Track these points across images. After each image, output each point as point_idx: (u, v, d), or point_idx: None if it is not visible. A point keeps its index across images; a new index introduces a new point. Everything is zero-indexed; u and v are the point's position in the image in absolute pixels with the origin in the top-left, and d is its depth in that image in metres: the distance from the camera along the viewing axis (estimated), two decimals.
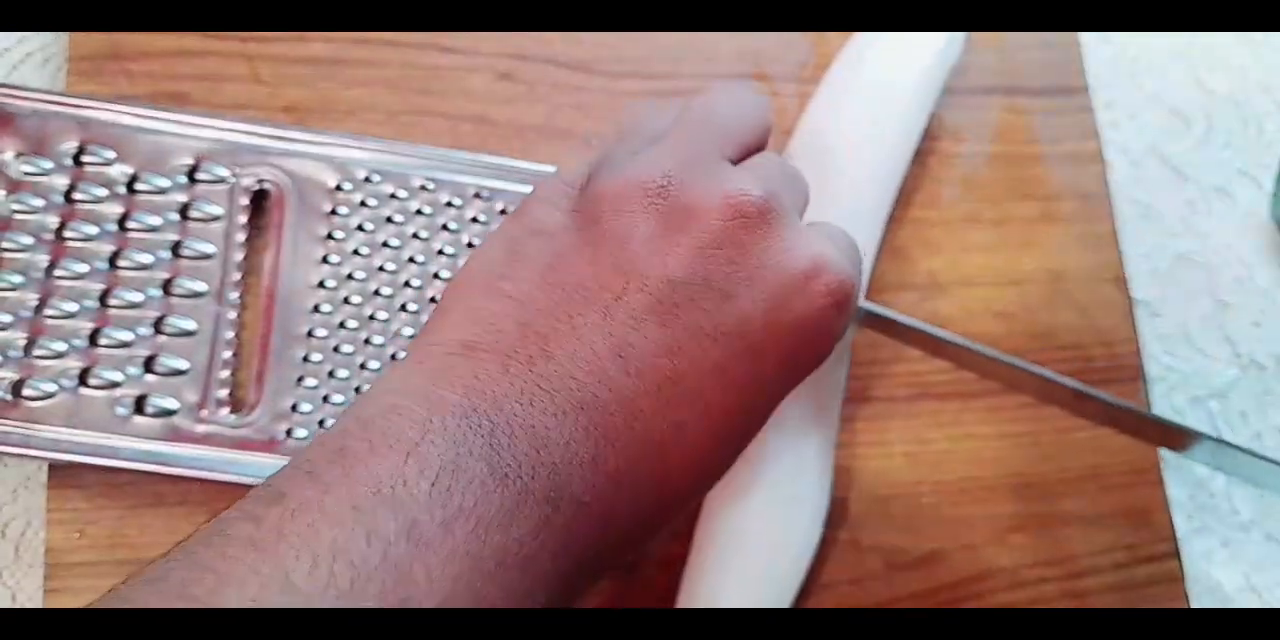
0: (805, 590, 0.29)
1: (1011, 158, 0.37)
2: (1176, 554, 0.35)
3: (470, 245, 0.30)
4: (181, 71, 0.31)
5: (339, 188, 0.30)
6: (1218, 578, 0.36)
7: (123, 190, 0.28)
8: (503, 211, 0.31)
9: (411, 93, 0.32)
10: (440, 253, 0.30)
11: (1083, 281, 0.36)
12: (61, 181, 0.28)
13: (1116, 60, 0.40)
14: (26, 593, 0.28)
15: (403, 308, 0.30)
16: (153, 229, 0.29)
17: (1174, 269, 0.39)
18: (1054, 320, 0.36)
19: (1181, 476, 0.37)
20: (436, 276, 0.30)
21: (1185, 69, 0.41)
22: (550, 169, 0.30)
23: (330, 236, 0.30)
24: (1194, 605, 0.35)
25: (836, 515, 0.32)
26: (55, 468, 0.28)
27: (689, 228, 0.21)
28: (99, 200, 0.28)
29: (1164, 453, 0.36)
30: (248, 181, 0.29)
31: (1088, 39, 0.39)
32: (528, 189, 0.30)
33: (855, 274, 0.22)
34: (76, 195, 0.28)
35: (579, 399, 0.19)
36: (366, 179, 0.30)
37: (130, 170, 0.28)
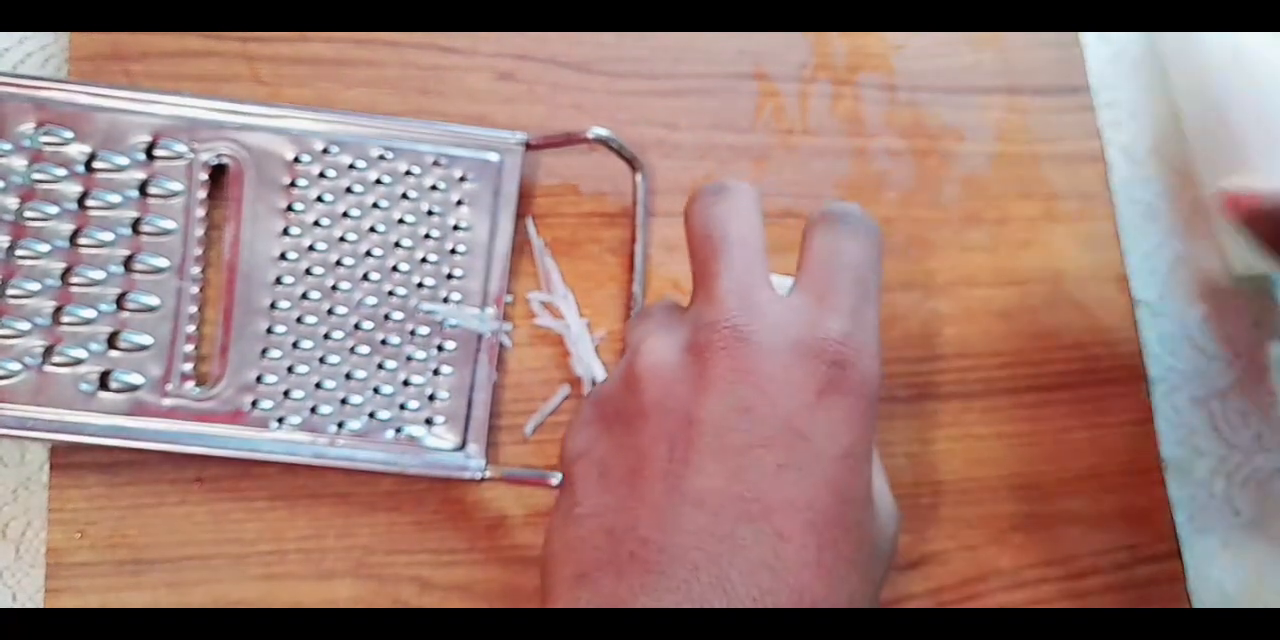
0: None
1: (1013, 157, 0.37)
2: (1178, 554, 0.35)
3: (430, 213, 0.31)
4: (182, 72, 0.31)
5: (297, 160, 0.30)
6: (1219, 578, 0.36)
7: (81, 169, 0.29)
8: (462, 178, 0.31)
9: (412, 92, 0.32)
10: (400, 221, 0.31)
11: (1084, 281, 0.36)
12: (19, 162, 0.29)
13: (1118, 60, 0.40)
14: (27, 593, 0.29)
15: (365, 277, 0.31)
16: (112, 206, 0.29)
17: (1174, 269, 0.38)
18: (1055, 320, 0.36)
19: (1183, 477, 0.37)
20: (398, 245, 0.31)
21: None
22: (508, 133, 0.32)
23: (290, 209, 0.30)
24: (1195, 606, 0.34)
25: None
26: (56, 467, 0.29)
27: (695, 374, 0.23)
28: (57, 180, 0.29)
29: (1165, 453, 0.36)
30: (206, 156, 0.30)
31: (1089, 39, 0.39)
32: (487, 155, 0.32)
33: (845, 333, 0.23)
34: (35, 175, 0.29)
35: (690, 562, 0.21)
36: (324, 150, 0.31)
37: (88, 149, 0.29)
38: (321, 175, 0.30)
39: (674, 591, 0.21)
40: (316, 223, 0.30)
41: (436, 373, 0.30)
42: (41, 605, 0.28)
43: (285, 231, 0.30)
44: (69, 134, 0.29)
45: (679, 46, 0.35)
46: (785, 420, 0.22)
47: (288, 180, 0.30)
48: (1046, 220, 0.37)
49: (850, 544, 0.22)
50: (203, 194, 0.30)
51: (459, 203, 0.31)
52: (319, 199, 0.30)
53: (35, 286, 0.28)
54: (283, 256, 0.30)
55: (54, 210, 0.29)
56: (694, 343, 0.24)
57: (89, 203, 0.29)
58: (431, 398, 0.30)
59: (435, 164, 0.31)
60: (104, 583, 0.28)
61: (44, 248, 0.29)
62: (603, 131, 0.32)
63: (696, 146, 0.34)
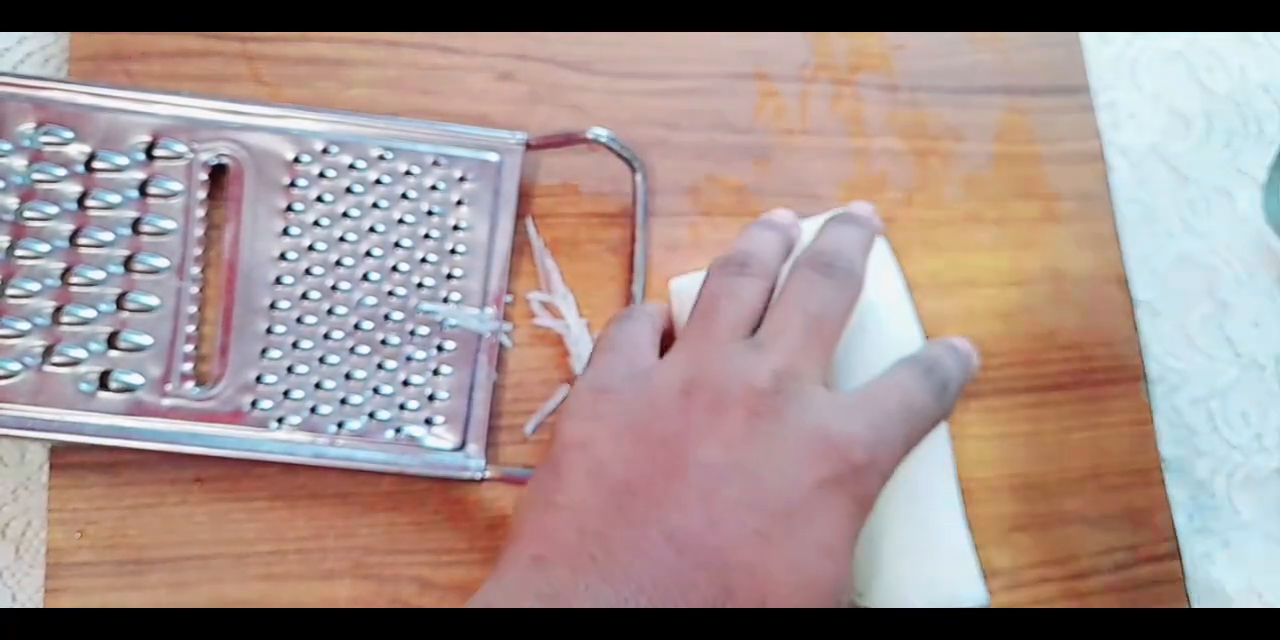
0: None
1: (1013, 158, 0.37)
2: (1178, 554, 0.35)
3: (430, 213, 0.31)
4: (182, 72, 0.31)
5: (297, 160, 0.30)
6: (1219, 578, 0.36)
7: (81, 169, 0.29)
8: (461, 178, 0.31)
9: (413, 93, 0.32)
10: (400, 221, 0.31)
11: (1084, 281, 0.36)
12: (19, 162, 0.29)
13: (1117, 61, 0.40)
14: (27, 593, 0.29)
15: (365, 277, 0.31)
16: (112, 206, 0.29)
17: (1174, 269, 0.38)
18: (1055, 320, 0.36)
19: (1183, 477, 0.36)
20: (397, 245, 0.31)
21: (1185, 69, 0.40)
22: (507, 133, 0.32)
23: (290, 208, 0.30)
24: (1195, 606, 0.34)
25: None
26: (56, 467, 0.29)
27: (712, 420, 0.23)
28: (57, 179, 0.29)
29: (1165, 453, 0.36)
30: (206, 156, 0.30)
31: (1089, 40, 0.39)
32: (487, 155, 0.31)
33: (871, 443, 0.24)
34: (35, 175, 0.29)
35: (638, 583, 0.22)
36: (324, 150, 0.30)
37: (88, 149, 0.29)
38: (321, 175, 0.30)
39: (615, 602, 0.21)
40: (316, 223, 0.30)
41: (436, 373, 0.30)
42: (41, 605, 0.28)
43: (285, 231, 0.30)
44: (69, 134, 0.29)
45: (679, 47, 0.35)
46: (780, 494, 0.22)
47: (288, 180, 0.30)
48: (1046, 220, 0.37)
49: None
50: (202, 194, 0.30)
51: (459, 203, 0.31)
52: (319, 199, 0.30)
53: (35, 286, 0.28)
54: (282, 256, 0.30)
55: (54, 210, 0.29)
56: (728, 387, 0.24)
57: (89, 203, 0.29)
58: (431, 398, 0.30)
59: (435, 164, 0.31)
60: (104, 583, 0.28)
61: (44, 248, 0.29)
62: (602, 132, 0.32)
63: (697, 146, 0.34)
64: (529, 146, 0.32)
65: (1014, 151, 0.37)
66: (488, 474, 0.29)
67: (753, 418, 0.23)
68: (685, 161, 0.34)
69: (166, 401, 0.29)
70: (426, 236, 0.31)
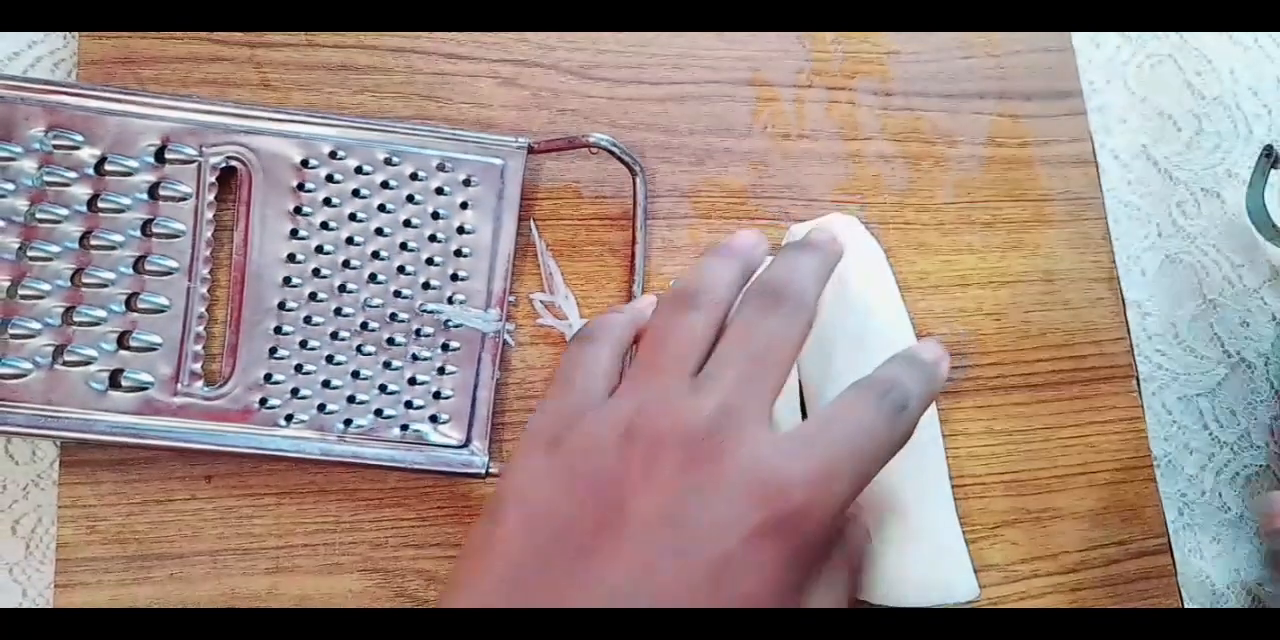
0: None
1: (1005, 161, 0.37)
2: (1168, 549, 0.35)
3: (435, 216, 0.32)
4: (191, 76, 0.31)
5: (305, 163, 0.31)
6: (1208, 573, 0.37)
7: (91, 172, 0.30)
8: (466, 181, 0.32)
9: (417, 98, 0.33)
10: (406, 224, 0.31)
11: (1074, 282, 0.37)
12: (30, 165, 0.29)
13: (1108, 64, 0.40)
14: (37, 588, 0.29)
15: (371, 278, 0.31)
16: (123, 209, 0.30)
17: (1164, 269, 0.39)
18: (1047, 320, 0.36)
19: (1173, 474, 0.37)
20: (404, 247, 0.31)
21: (1175, 73, 0.41)
22: (510, 138, 0.32)
23: (298, 211, 0.31)
24: (1184, 599, 0.35)
25: None
26: (66, 465, 0.29)
27: (648, 469, 0.23)
28: (69, 182, 0.29)
29: (1155, 450, 0.36)
30: (215, 159, 0.30)
31: (1080, 44, 0.39)
32: (490, 159, 0.32)
33: (814, 483, 0.22)
34: (46, 178, 0.29)
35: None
36: (332, 154, 0.31)
37: (98, 152, 0.30)
38: (329, 178, 0.31)
39: None
40: (324, 225, 0.31)
41: (442, 371, 0.31)
42: (51, 600, 0.28)
43: (293, 233, 0.30)
44: (79, 137, 0.29)
45: (678, 53, 0.35)
46: (713, 546, 0.21)
47: (296, 183, 0.30)
48: (1038, 222, 0.37)
49: None
50: (212, 196, 0.30)
51: (464, 205, 0.32)
52: (326, 201, 0.31)
53: (47, 287, 0.29)
54: (291, 257, 0.30)
55: (65, 212, 0.29)
56: (664, 433, 0.23)
57: (100, 205, 0.29)
58: (437, 395, 0.31)
59: (440, 168, 0.31)
60: (113, 578, 0.29)
61: (55, 249, 0.29)
62: (603, 136, 0.32)
63: (695, 151, 0.35)
64: (531, 150, 0.32)
65: (1006, 154, 0.37)
66: (492, 469, 0.30)
67: (688, 464, 0.22)
68: (684, 165, 0.35)
69: (177, 400, 0.29)
70: (432, 238, 0.31)
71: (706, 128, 0.35)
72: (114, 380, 0.29)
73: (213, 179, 0.30)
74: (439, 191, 0.32)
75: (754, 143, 0.35)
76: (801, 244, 0.27)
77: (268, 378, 0.30)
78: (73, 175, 0.29)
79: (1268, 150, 0.38)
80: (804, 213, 0.35)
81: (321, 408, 0.30)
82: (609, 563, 0.21)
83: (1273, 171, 0.38)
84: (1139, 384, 0.37)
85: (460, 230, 0.32)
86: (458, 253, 0.31)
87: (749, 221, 0.35)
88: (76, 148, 0.29)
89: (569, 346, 0.27)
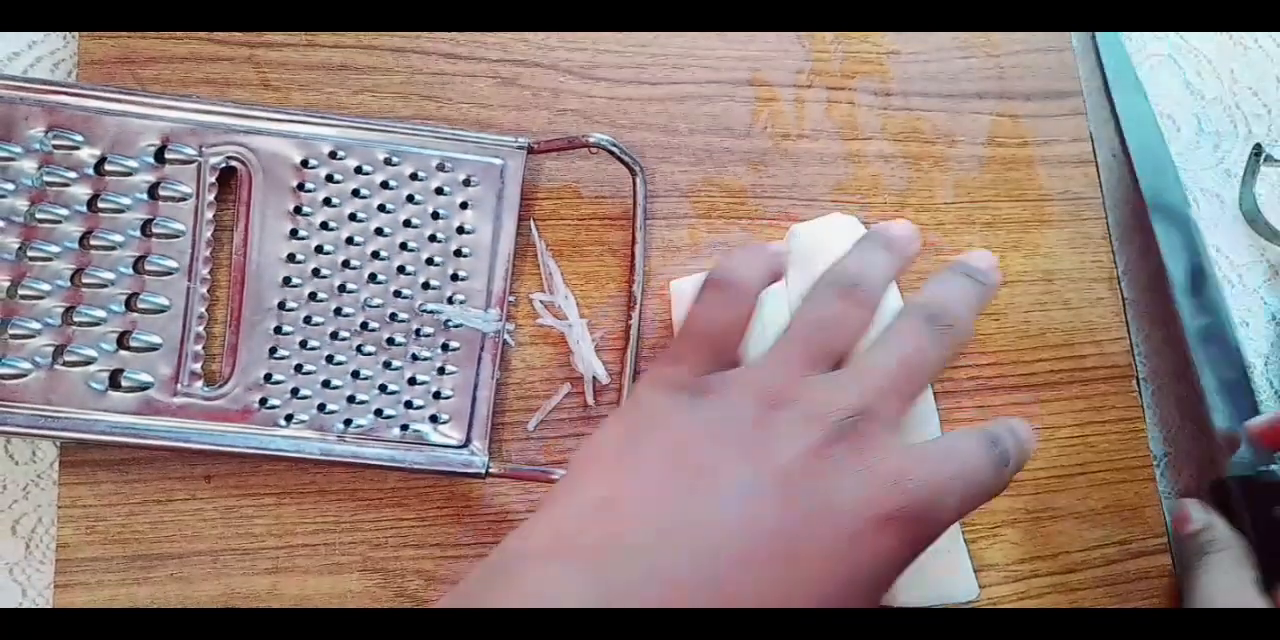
0: None
1: (1005, 161, 0.37)
2: (1168, 549, 0.35)
3: (435, 216, 0.31)
4: (190, 76, 0.31)
5: (305, 163, 0.31)
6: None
7: (91, 172, 0.29)
8: (466, 181, 0.32)
9: (417, 97, 0.33)
10: (406, 224, 0.31)
11: (1074, 281, 0.37)
12: (30, 165, 0.29)
13: None
14: (36, 588, 0.29)
15: (371, 278, 0.31)
16: (123, 209, 0.30)
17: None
18: (1047, 320, 0.36)
19: (1173, 473, 0.37)
20: (404, 247, 0.31)
21: (1175, 72, 0.41)
22: (510, 138, 0.32)
23: (298, 211, 0.31)
24: (1184, 601, 0.35)
25: None
26: (66, 465, 0.29)
27: (793, 434, 0.23)
28: (68, 182, 0.29)
29: (1155, 451, 0.36)
30: (215, 160, 0.30)
31: (1080, 43, 0.39)
32: (490, 159, 0.32)
33: (931, 503, 0.23)
34: (46, 178, 0.29)
35: (642, 585, 0.21)
36: (331, 154, 0.31)
37: (98, 152, 0.30)
38: (329, 178, 0.31)
39: (600, 601, 0.20)
40: (324, 225, 0.31)
41: (442, 371, 0.31)
42: (51, 600, 0.28)
43: (293, 233, 0.30)
44: (79, 137, 0.29)
45: (678, 53, 0.35)
46: (848, 517, 0.22)
47: (295, 183, 0.30)
48: (1038, 222, 0.37)
49: None
50: (211, 196, 0.30)
51: (463, 205, 0.32)
52: (326, 201, 0.31)
53: (46, 287, 0.29)
54: (291, 257, 0.30)
55: (65, 212, 0.29)
56: (813, 410, 0.23)
57: (99, 205, 0.29)
58: (437, 395, 0.31)
59: (440, 168, 0.31)
60: (113, 578, 0.29)
61: (55, 249, 0.29)
62: (603, 136, 0.32)
63: (695, 151, 0.35)
64: (531, 150, 0.32)
65: (1006, 154, 0.38)
66: (491, 470, 0.30)
67: (833, 441, 0.23)
68: (684, 165, 0.35)
69: (177, 400, 0.29)
70: (432, 238, 0.31)
71: (706, 128, 0.35)
72: (114, 380, 0.29)
73: (213, 179, 0.30)
74: (439, 191, 0.31)
75: (754, 143, 0.35)
76: (965, 267, 0.28)
77: (268, 378, 0.30)
78: (72, 175, 0.29)
79: (1256, 148, 0.38)
80: (804, 213, 0.35)
81: (321, 408, 0.30)
82: (746, 499, 0.22)
83: (1263, 169, 0.39)
84: (1139, 384, 0.37)
85: (460, 230, 0.32)
86: (458, 253, 0.31)
87: (749, 221, 0.35)
88: (76, 148, 0.29)
89: (709, 287, 0.27)
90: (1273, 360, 0.39)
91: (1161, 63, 0.41)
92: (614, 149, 0.32)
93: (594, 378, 0.32)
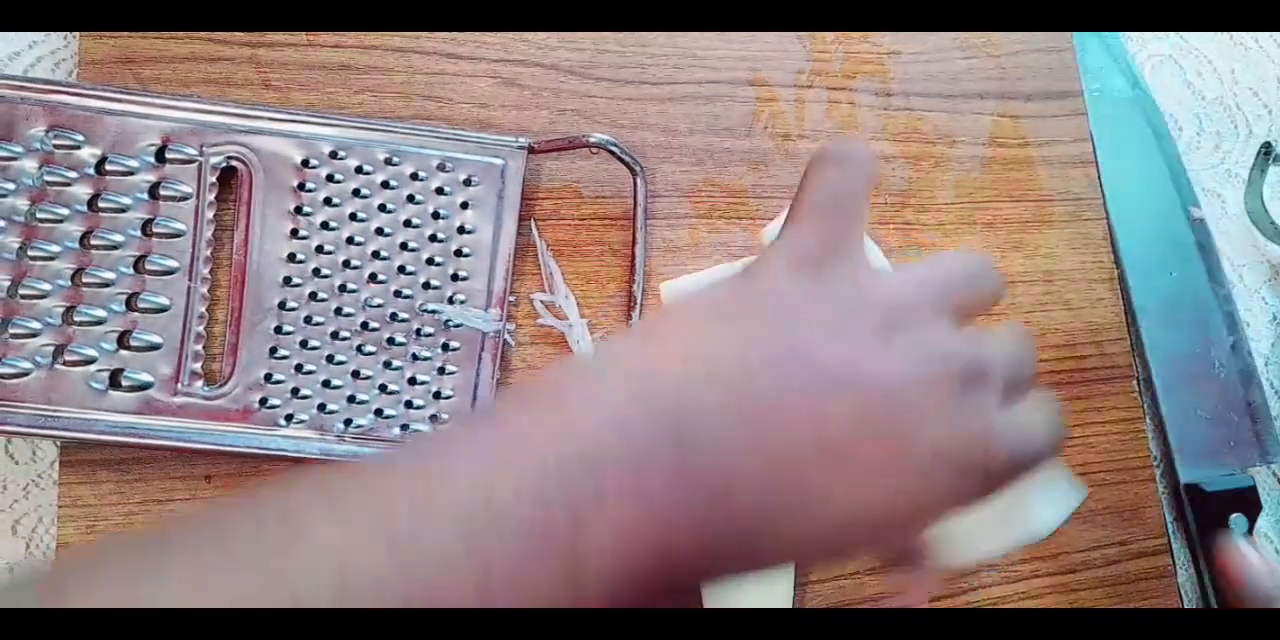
0: (799, 587, 0.30)
1: (1005, 161, 0.37)
2: (1168, 550, 0.35)
3: (436, 216, 0.31)
4: (191, 76, 0.31)
5: (305, 163, 0.31)
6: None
7: (92, 172, 0.29)
8: (466, 181, 0.32)
9: (417, 97, 0.33)
10: (407, 223, 0.31)
11: (1075, 282, 0.37)
12: (31, 165, 0.29)
13: None
14: None
15: (372, 278, 0.31)
16: (123, 208, 0.30)
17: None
18: (1047, 320, 0.36)
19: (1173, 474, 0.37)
20: (404, 247, 0.31)
21: (1175, 73, 0.41)
22: (511, 138, 0.32)
23: (299, 210, 0.31)
24: (1184, 600, 0.35)
25: None
26: (66, 465, 0.29)
27: (915, 359, 0.21)
28: (69, 182, 0.29)
29: (1155, 451, 0.36)
30: (215, 159, 0.30)
31: (1081, 43, 0.39)
32: (490, 160, 0.32)
33: (1008, 474, 0.22)
34: (47, 177, 0.29)
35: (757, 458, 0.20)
36: (332, 154, 0.31)
37: (99, 152, 0.29)
38: (330, 178, 0.31)
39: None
40: (325, 225, 0.31)
41: (442, 371, 0.31)
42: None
43: (294, 233, 0.30)
44: (80, 137, 0.29)
45: (679, 53, 0.35)
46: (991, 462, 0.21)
47: (296, 183, 0.30)
48: (1038, 222, 0.37)
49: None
50: (212, 196, 0.30)
51: (464, 205, 0.32)
52: (327, 201, 0.31)
53: (47, 287, 0.29)
54: (291, 257, 0.30)
55: (65, 212, 0.29)
56: (987, 366, 0.21)
57: (100, 204, 0.29)
58: (437, 395, 0.31)
59: (440, 168, 0.31)
60: None
61: (55, 248, 0.29)
62: (604, 137, 0.32)
63: (695, 151, 0.35)
64: (532, 150, 0.32)
65: (1006, 155, 0.38)
66: None
67: (944, 386, 0.21)
68: (684, 165, 0.35)
69: (177, 400, 0.29)
70: (433, 238, 0.31)
71: (706, 128, 0.35)
72: (114, 380, 0.29)
73: (213, 179, 0.30)
74: (439, 191, 0.31)
75: (754, 143, 0.35)
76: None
77: (268, 377, 0.30)
78: (73, 175, 0.29)
79: (1265, 147, 0.38)
80: None
81: (322, 408, 0.30)
82: (844, 387, 0.20)
83: (1272, 168, 0.39)
84: (1139, 384, 0.37)
85: (461, 230, 0.32)
86: (458, 252, 0.31)
87: (749, 221, 0.35)
88: (77, 147, 0.29)
89: (825, 162, 0.23)
90: (1273, 360, 0.39)
91: (1161, 63, 0.41)
92: (615, 149, 0.32)
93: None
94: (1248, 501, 0.36)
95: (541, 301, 0.33)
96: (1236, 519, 0.35)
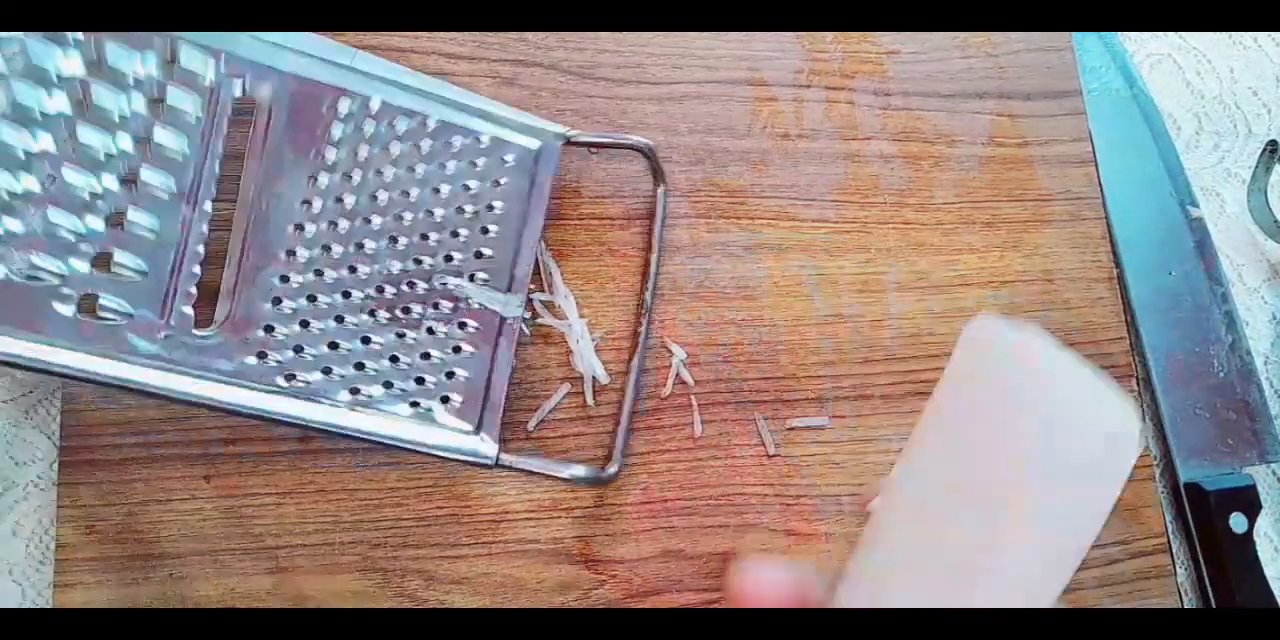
0: None
1: (1004, 160, 0.37)
2: (1168, 550, 0.35)
3: (467, 189, 0.30)
4: None
5: (342, 109, 0.29)
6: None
7: (86, 55, 0.25)
8: (502, 160, 0.30)
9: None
10: (436, 191, 0.29)
11: (1074, 281, 0.37)
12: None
13: None
14: (36, 588, 0.29)
15: (393, 240, 0.29)
16: (121, 116, 0.25)
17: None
18: (1046, 320, 0.36)
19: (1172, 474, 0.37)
20: (430, 214, 0.29)
21: (1175, 72, 0.41)
22: (551, 124, 0.31)
23: (321, 156, 0.28)
24: (1184, 599, 0.35)
25: (830, 510, 0.32)
26: (66, 465, 0.29)
27: None
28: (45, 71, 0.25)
29: (1154, 451, 0.36)
30: (237, 82, 0.27)
31: (1080, 43, 0.39)
32: (528, 142, 0.31)
33: None
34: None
35: None
36: (366, 104, 0.29)
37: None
38: (365, 130, 0.29)
39: None
40: (348, 176, 0.29)
41: (456, 350, 0.29)
42: (51, 600, 0.28)
43: (314, 178, 0.28)
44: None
45: (677, 53, 0.35)
46: None
47: (326, 127, 0.28)
48: (1038, 222, 0.37)
49: None
50: (226, 122, 0.27)
51: (496, 183, 0.30)
52: (354, 152, 0.29)
53: (8, 180, 0.24)
54: (307, 203, 0.28)
55: (42, 94, 0.24)
56: None
57: (92, 95, 0.25)
58: (450, 375, 0.29)
59: (478, 142, 0.30)
60: (113, 578, 0.28)
61: (23, 134, 0.24)
62: (646, 141, 0.32)
63: (695, 150, 0.35)
64: (568, 142, 0.31)
65: (1005, 154, 0.38)
66: (502, 459, 0.29)
67: None
68: (684, 165, 0.35)
69: (159, 340, 0.25)
70: (460, 211, 0.30)
71: (706, 127, 0.35)
72: (83, 306, 0.24)
73: (236, 93, 0.27)
74: (474, 165, 0.30)
75: (754, 143, 0.35)
76: None
77: (269, 329, 0.27)
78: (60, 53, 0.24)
79: (1271, 145, 0.38)
80: (804, 212, 0.35)
81: (327, 371, 0.28)
82: None
83: (1277, 167, 0.39)
84: (1138, 383, 0.37)
85: (490, 208, 0.30)
86: (484, 230, 0.30)
87: (749, 221, 0.35)
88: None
89: None
90: (1273, 360, 0.39)
91: (1161, 62, 0.41)
92: (652, 156, 0.32)
93: (594, 378, 0.32)
94: (1247, 500, 0.36)
95: (541, 301, 0.33)
96: (1236, 518, 0.35)
